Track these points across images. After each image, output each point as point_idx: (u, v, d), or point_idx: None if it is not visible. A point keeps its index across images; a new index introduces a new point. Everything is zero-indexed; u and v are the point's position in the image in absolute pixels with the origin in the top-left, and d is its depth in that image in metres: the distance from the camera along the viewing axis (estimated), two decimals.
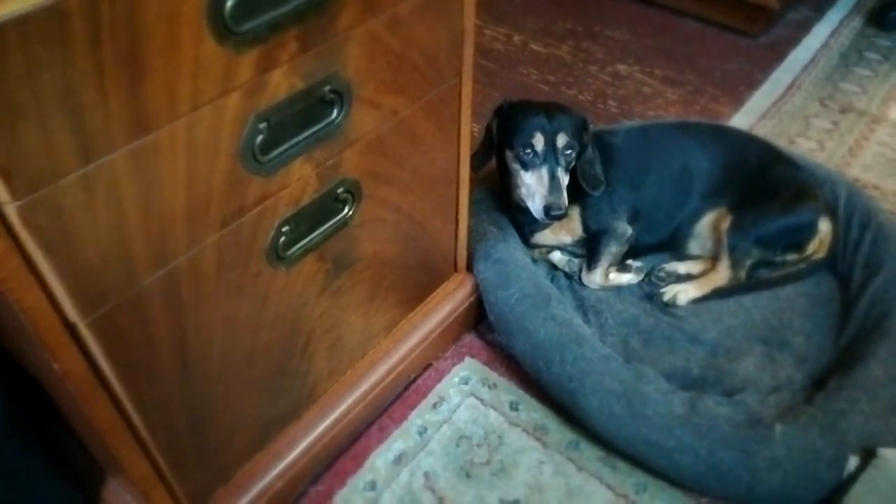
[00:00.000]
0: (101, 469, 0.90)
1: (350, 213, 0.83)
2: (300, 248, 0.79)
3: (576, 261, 1.30)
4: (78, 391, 0.64)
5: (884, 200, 1.48)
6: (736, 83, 1.83)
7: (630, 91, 1.81)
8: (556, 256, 1.30)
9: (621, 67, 1.90)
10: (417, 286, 1.10)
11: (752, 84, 1.83)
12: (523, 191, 1.15)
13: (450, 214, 1.06)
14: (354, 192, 0.83)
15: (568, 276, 1.30)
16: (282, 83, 0.66)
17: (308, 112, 0.71)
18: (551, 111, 1.13)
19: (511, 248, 1.21)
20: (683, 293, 1.24)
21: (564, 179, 1.12)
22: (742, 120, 1.70)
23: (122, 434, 0.71)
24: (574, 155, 1.15)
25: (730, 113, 1.73)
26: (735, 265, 1.24)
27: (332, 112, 0.74)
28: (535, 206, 1.12)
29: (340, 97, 0.73)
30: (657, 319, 1.21)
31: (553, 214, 1.09)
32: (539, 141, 1.11)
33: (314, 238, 0.80)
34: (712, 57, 1.94)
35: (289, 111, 0.68)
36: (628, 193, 1.26)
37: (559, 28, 2.06)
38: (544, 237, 1.28)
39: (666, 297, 1.25)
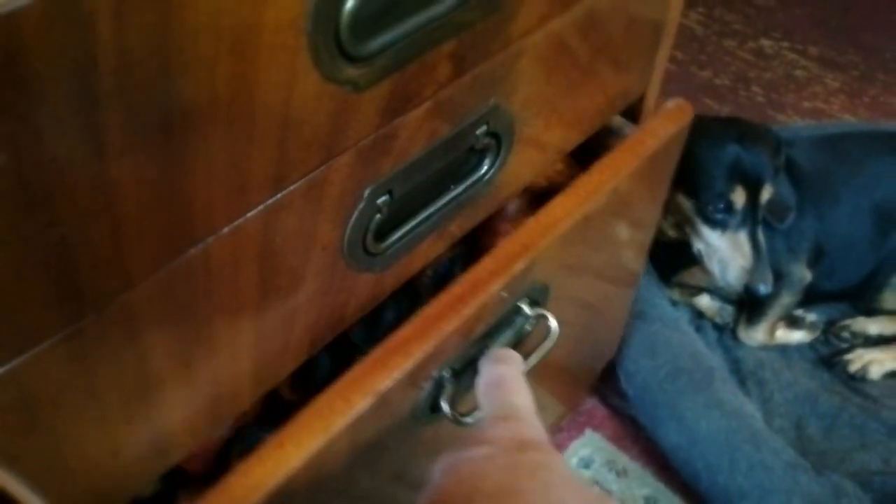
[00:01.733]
0: None
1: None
2: None
3: (729, 308, 1.01)
4: None
5: None
6: None
7: (779, 74, 1.47)
8: (705, 302, 1.02)
9: (766, 43, 1.55)
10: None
11: None
12: (701, 247, 0.86)
13: (632, 284, 0.78)
14: None
15: (718, 326, 1.02)
16: (419, 131, 0.39)
17: (448, 169, 0.44)
18: (744, 141, 0.82)
19: (655, 297, 0.93)
20: (878, 364, 0.95)
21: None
22: None
23: None
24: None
25: None
26: None
27: (481, 164, 0.46)
28: (730, 280, 0.84)
29: (498, 141, 0.46)
30: (843, 399, 0.93)
31: (755, 294, 0.81)
32: (739, 196, 0.81)
33: None
34: (879, 33, 1.57)
35: (422, 174, 0.41)
36: (812, 227, 0.96)
37: None
38: (692, 276, 0.99)
39: (853, 367, 0.96)
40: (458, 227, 0.48)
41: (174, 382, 0.34)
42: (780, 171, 0.91)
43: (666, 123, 0.59)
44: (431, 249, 0.47)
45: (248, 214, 0.32)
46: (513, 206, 0.60)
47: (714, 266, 0.85)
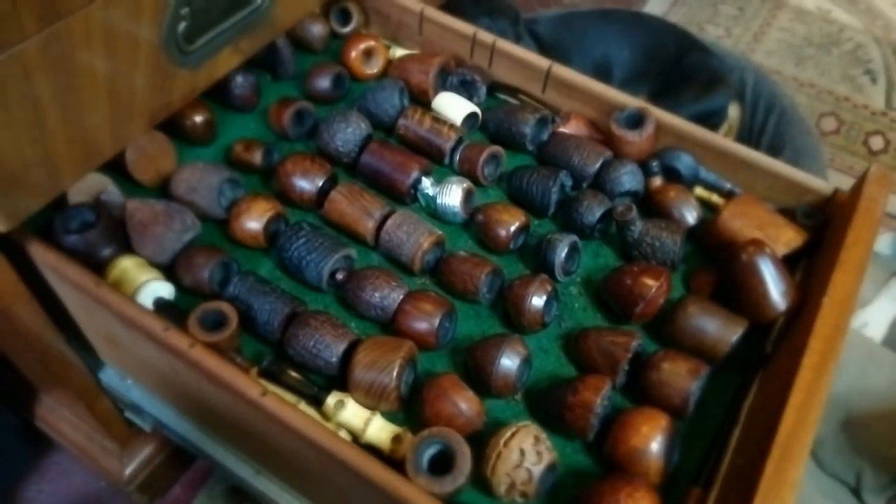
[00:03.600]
0: (30, 387, 0.86)
1: None
2: None
3: None
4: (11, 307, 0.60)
5: (784, 85, 1.55)
6: None
7: None
8: None
9: None
10: None
11: None
12: None
13: None
14: None
15: None
16: None
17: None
18: (492, 14, 1.09)
19: None
20: None
21: None
22: (656, 7, 1.71)
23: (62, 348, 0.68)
24: None
25: None
26: None
27: None
28: None
29: None
30: None
31: None
32: None
33: None
34: None
35: None
36: None
37: None
38: None
39: None
40: (248, 45, 0.70)
41: (56, 121, 0.54)
42: (523, 39, 1.19)
43: (882, 190, 0.66)
44: (231, 59, 0.69)
45: (90, 5, 0.52)
46: (780, 288, 0.63)
47: None
